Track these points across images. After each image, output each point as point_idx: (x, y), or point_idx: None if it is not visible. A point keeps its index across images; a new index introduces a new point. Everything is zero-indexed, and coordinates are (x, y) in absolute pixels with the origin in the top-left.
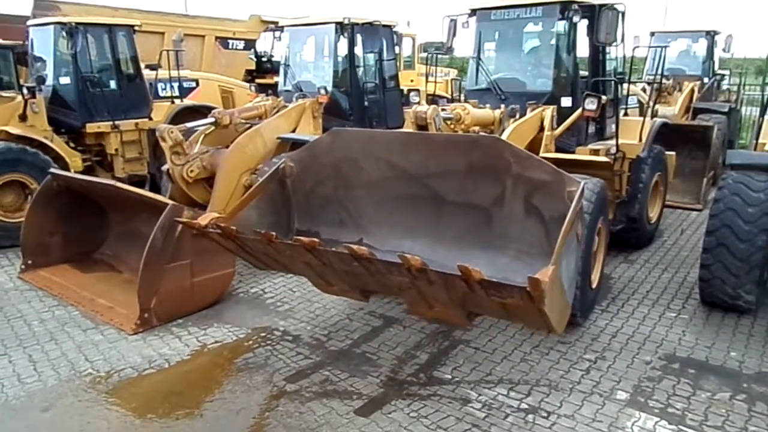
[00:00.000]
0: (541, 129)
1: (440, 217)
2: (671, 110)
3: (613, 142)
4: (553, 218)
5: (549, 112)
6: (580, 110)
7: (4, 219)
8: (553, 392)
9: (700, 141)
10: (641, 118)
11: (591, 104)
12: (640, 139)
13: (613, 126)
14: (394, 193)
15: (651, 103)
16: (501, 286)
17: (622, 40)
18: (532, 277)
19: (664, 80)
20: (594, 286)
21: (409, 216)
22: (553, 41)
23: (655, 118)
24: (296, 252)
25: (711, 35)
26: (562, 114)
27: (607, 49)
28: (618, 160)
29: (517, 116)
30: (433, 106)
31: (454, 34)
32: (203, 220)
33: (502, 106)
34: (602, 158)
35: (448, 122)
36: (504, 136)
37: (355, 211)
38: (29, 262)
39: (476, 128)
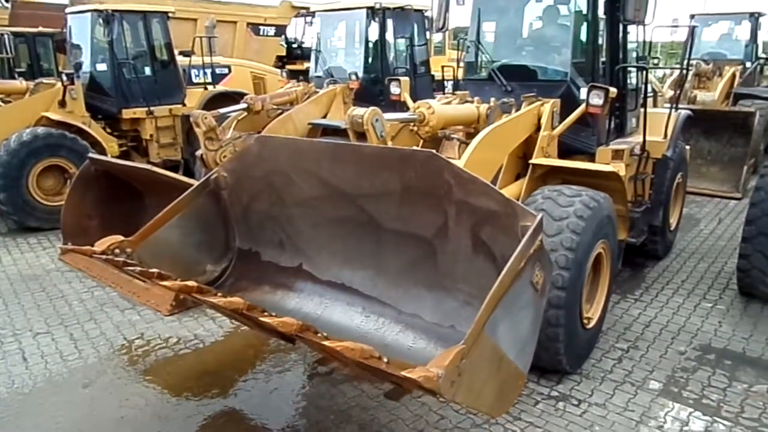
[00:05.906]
0: (539, 128)
1: (381, 246)
2: (711, 96)
3: (634, 139)
4: (506, 258)
5: (548, 106)
6: (583, 106)
7: (46, 202)
8: (584, 380)
9: (741, 128)
10: (664, 110)
11: (597, 98)
12: (665, 135)
13: (634, 120)
14: (328, 214)
15: (678, 92)
16: (384, 373)
17: (653, 19)
18: (410, 378)
19: (703, 65)
20: (591, 325)
21: (348, 243)
22: (570, 18)
23: (679, 110)
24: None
25: (755, 17)
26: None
27: (629, 29)
28: (642, 162)
29: (513, 112)
30: (372, 108)
31: (446, 12)
32: (101, 244)
33: (491, 100)
34: (606, 167)
35: (411, 125)
36: (477, 140)
37: (292, 232)
38: (69, 244)
39: (447, 131)
